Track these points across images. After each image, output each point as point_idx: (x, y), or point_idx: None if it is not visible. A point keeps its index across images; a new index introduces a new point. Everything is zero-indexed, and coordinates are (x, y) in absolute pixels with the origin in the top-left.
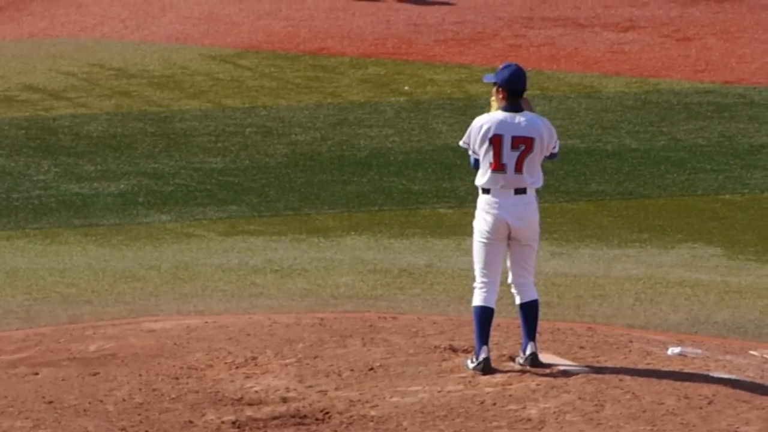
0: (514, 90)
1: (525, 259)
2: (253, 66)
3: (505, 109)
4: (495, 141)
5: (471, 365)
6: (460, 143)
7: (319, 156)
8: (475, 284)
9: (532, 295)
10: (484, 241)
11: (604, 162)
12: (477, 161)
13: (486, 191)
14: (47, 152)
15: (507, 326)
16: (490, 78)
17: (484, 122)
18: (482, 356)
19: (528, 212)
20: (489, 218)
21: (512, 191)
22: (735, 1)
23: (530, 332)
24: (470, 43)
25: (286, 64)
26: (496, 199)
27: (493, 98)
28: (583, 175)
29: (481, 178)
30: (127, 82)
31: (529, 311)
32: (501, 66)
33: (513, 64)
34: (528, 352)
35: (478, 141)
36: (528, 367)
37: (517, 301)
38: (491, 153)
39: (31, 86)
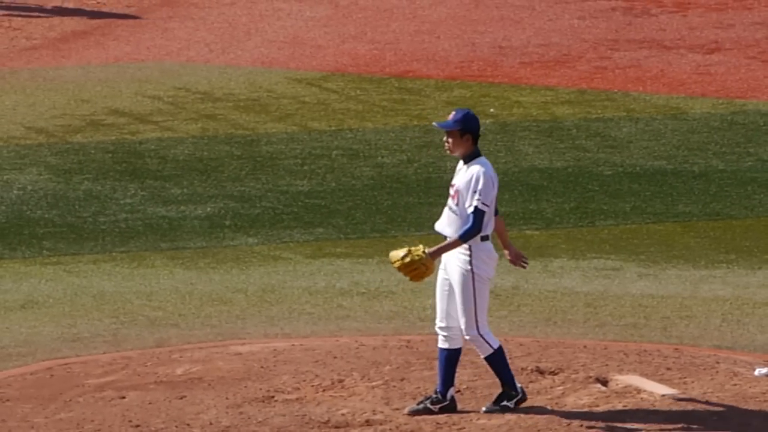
0: (478, 134)
1: None
2: (339, 89)
3: (478, 153)
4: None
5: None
6: (481, 206)
7: (405, 178)
8: (483, 330)
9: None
10: (487, 284)
11: (691, 183)
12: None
13: (485, 238)
14: (134, 176)
15: (594, 347)
16: (449, 125)
17: (491, 172)
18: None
19: None
20: (491, 263)
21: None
22: None
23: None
24: (556, 65)
25: (371, 87)
26: (491, 245)
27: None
28: (670, 197)
29: (485, 227)
30: (213, 105)
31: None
32: (461, 112)
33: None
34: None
35: (494, 193)
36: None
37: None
38: (495, 199)
39: (118, 110)
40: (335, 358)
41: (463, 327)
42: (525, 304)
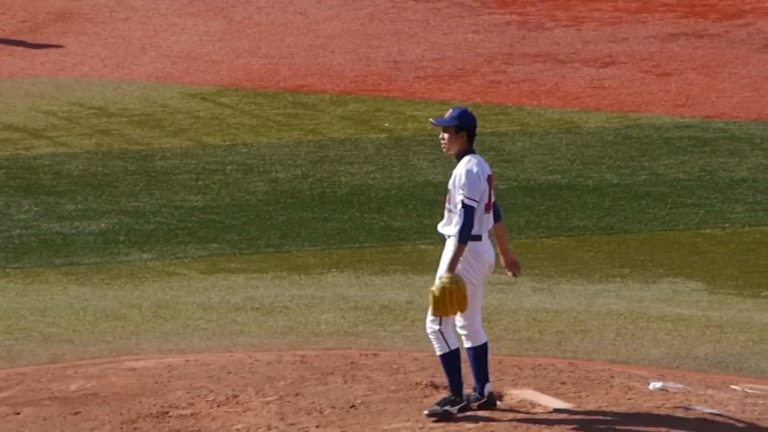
0: (474, 132)
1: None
2: (234, 104)
3: (471, 150)
4: (490, 180)
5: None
6: (468, 201)
7: (299, 193)
8: (445, 329)
9: (484, 338)
10: (476, 284)
11: (585, 197)
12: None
13: (477, 238)
14: (28, 191)
15: (489, 362)
16: (446, 121)
17: (475, 167)
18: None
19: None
20: (479, 266)
21: (487, 233)
22: (714, 36)
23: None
24: (450, 79)
25: (266, 101)
26: (486, 244)
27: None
28: (564, 211)
29: (479, 226)
30: (108, 120)
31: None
32: (458, 110)
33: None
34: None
35: (481, 189)
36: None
37: (471, 344)
38: (486, 194)
39: (12, 125)
40: (230, 373)
41: (427, 319)
42: (419, 318)
